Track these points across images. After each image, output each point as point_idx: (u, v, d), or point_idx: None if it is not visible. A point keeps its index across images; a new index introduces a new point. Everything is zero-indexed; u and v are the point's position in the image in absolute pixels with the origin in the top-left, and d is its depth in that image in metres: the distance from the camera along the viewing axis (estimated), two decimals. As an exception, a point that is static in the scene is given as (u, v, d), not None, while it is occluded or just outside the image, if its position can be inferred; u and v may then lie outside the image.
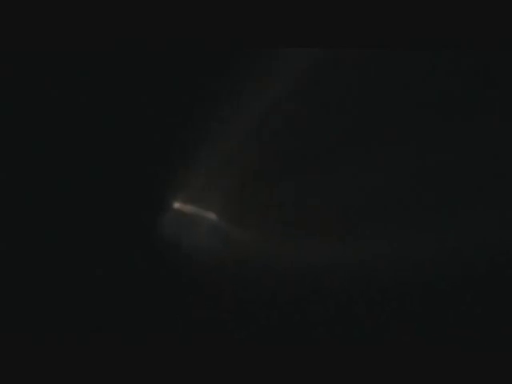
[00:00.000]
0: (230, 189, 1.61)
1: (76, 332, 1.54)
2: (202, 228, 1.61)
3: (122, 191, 1.61)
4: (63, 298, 1.57)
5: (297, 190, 1.59)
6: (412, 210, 1.57)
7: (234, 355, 1.52)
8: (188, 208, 1.62)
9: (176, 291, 1.58)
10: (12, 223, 1.59)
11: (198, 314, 1.56)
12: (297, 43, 1.57)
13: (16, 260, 1.58)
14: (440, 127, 1.58)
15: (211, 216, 1.62)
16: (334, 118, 1.60)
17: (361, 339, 1.52)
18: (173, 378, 1.51)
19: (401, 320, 1.53)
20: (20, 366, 1.50)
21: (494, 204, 1.56)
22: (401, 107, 1.59)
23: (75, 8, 1.59)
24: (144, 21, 1.59)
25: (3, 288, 1.57)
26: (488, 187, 1.56)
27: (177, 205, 1.61)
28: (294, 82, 1.60)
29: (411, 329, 1.53)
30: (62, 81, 1.62)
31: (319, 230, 1.57)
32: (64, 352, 1.52)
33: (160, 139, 1.63)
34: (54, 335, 1.53)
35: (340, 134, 1.59)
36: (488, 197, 1.56)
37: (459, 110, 1.58)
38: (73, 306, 1.56)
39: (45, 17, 1.59)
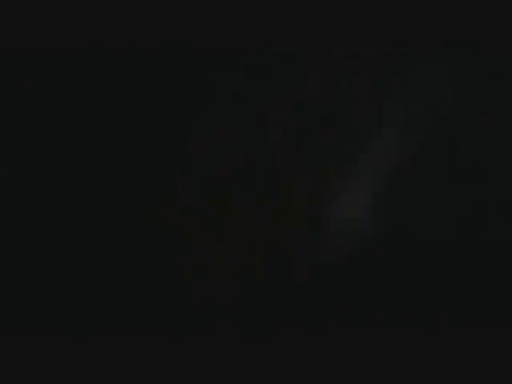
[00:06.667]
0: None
1: (76, 332, 1.54)
2: None
3: (119, 191, 1.61)
4: (63, 297, 1.57)
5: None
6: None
7: (234, 355, 1.52)
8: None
9: (178, 291, 1.58)
10: (12, 223, 1.60)
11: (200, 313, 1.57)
12: (297, 44, 1.57)
13: (16, 260, 1.58)
14: (441, 127, 1.58)
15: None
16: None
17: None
18: (173, 378, 1.51)
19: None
20: (20, 366, 1.51)
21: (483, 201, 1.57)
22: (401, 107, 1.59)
23: (75, 8, 1.59)
24: (144, 21, 1.59)
25: (3, 288, 1.57)
26: (487, 187, 1.57)
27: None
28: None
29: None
30: (62, 81, 1.62)
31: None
32: (64, 352, 1.52)
33: (159, 139, 1.63)
34: (54, 335, 1.54)
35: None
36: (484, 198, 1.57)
37: (460, 110, 1.58)
38: (73, 306, 1.57)
39: (45, 17, 1.59)
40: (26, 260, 1.59)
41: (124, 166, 1.62)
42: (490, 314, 1.53)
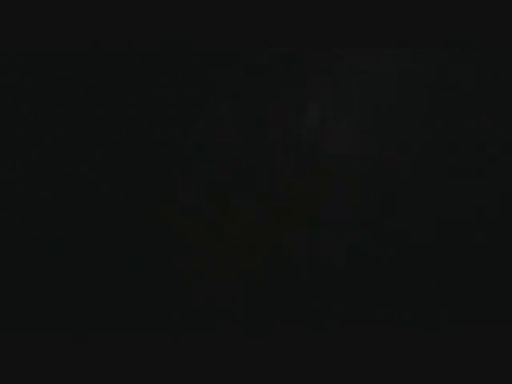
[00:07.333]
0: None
1: (76, 332, 1.54)
2: None
3: (119, 191, 1.61)
4: (63, 297, 1.57)
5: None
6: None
7: (234, 355, 1.52)
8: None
9: (178, 291, 1.58)
10: (12, 223, 1.60)
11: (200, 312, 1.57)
12: (297, 44, 1.57)
13: (16, 260, 1.58)
14: (440, 126, 1.58)
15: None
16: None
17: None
18: (173, 378, 1.51)
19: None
20: (20, 366, 1.51)
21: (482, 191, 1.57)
22: (400, 106, 1.59)
23: (75, 8, 1.59)
24: (144, 21, 1.59)
25: (3, 288, 1.57)
26: (487, 187, 1.57)
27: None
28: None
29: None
30: (62, 81, 1.62)
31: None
32: (64, 352, 1.52)
33: (159, 139, 1.63)
34: (54, 335, 1.54)
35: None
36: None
37: (460, 109, 1.58)
38: (73, 306, 1.57)
39: (45, 17, 1.59)
40: (26, 260, 1.59)
41: (124, 166, 1.62)
42: (490, 313, 1.53)
